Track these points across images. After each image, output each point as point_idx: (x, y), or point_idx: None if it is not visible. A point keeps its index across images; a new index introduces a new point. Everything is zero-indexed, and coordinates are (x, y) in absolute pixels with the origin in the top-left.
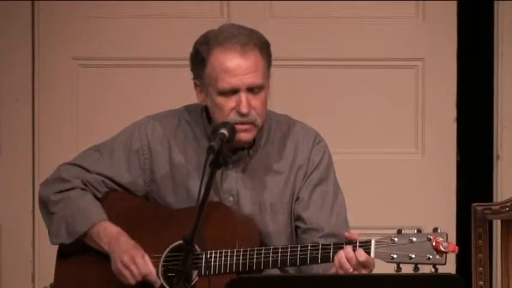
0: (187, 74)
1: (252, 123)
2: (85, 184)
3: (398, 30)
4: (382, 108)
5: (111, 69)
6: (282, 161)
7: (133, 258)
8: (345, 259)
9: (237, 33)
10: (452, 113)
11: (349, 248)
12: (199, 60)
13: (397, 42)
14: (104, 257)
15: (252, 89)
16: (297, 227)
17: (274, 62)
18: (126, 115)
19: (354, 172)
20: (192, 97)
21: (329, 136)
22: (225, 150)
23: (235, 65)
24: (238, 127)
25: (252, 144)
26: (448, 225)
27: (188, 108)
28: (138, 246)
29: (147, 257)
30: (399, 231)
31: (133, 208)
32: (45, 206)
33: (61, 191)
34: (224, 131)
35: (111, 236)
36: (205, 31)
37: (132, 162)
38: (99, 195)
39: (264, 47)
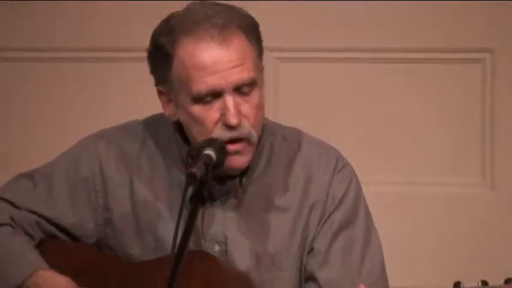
0: (145, 70)
1: (246, 139)
2: (15, 222)
3: (458, 13)
4: (434, 121)
5: (40, 64)
6: (289, 195)
7: None
8: None
9: (211, 13)
10: None
11: None
12: (162, 57)
13: (455, 27)
14: None
15: (240, 89)
16: None
17: (279, 54)
18: (62, 122)
19: (395, 211)
20: (155, 102)
21: (358, 160)
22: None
23: (213, 57)
24: (228, 148)
25: (246, 169)
26: None
27: (155, 121)
28: None
29: None
30: (457, 285)
31: (83, 263)
32: None
33: None
34: (210, 151)
35: None
36: (167, 15)
37: (78, 196)
38: (32, 242)
39: (250, 29)
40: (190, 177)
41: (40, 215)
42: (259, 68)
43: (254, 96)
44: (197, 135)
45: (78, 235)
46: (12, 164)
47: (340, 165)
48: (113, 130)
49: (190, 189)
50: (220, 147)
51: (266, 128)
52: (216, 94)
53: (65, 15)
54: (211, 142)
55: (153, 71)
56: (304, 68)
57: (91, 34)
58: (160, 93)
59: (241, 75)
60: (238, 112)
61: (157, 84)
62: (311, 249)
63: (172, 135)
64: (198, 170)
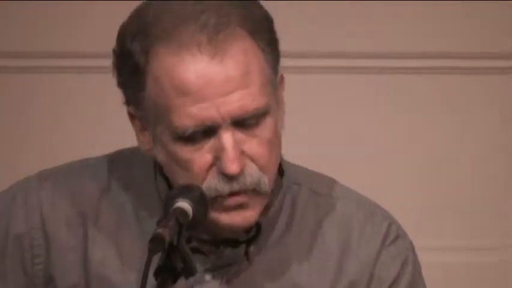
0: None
1: (253, 189)
2: None
3: (483, 13)
4: (456, 156)
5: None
6: (315, 273)
7: None
8: None
9: (199, 8)
10: None
11: None
12: (131, 68)
13: (482, 29)
14: None
15: (243, 121)
16: None
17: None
18: (45, 142)
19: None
20: (123, 126)
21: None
22: (189, 243)
23: (200, 76)
24: (226, 202)
25: (256, 233)
26: None
27: (129, 154)
28: None
29: None
30: None
31: None
32: None
33: None
34: (184, 203)
35: None
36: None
37: (8, 263)
38: None
39: (260, 27)
40: (155, 241)
41: None
42: (272, 85)
43: (265, 127)
44: (181, 181)
45: None
46: None
47: (393, 234)
48: (64, 168)
49: (159, 260)
50: (201, 196)
51: (287, 174)
52: (208, 131)
53: (49, 16)
54: (187, 190)
55: (121, 84)
56: (314, 81)
57: (88, 37)
58: (130, 116)
59: (243, 103)
60: (240, 155)
61: (127, 103)
62: None
63: (151, 177)
64: (164, 232)
